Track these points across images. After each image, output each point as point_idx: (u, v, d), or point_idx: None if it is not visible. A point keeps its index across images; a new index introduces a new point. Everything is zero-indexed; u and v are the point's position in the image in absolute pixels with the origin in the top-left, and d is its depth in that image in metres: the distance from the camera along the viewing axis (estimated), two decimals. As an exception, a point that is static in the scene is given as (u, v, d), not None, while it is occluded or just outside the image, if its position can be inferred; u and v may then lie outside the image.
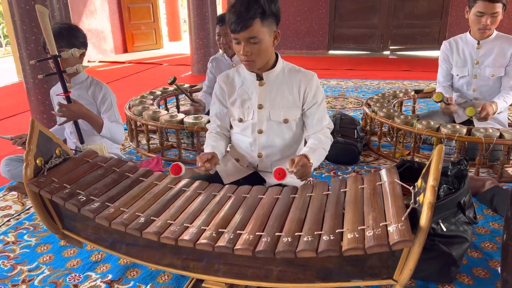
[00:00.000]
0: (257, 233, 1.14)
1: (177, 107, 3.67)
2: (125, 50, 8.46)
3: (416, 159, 2.58)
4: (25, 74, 3.02)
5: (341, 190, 1.29)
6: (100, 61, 7.45)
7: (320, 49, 7.80)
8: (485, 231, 1.89)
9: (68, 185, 1.36)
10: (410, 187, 1.12)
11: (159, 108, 3.10)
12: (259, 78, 1.70)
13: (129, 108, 3.09)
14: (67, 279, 1.64)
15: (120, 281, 1.62)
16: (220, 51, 3.07)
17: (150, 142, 2.91)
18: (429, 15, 7.17)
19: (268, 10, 1.51)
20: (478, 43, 2.62)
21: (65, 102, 2.03)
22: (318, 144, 1.63)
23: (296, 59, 6.71)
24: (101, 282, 1.62)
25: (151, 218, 1.25)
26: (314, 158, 1.54)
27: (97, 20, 7.68)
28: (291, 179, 1.79)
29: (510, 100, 2.56)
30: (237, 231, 1.16)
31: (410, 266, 1.01)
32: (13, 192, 2.37)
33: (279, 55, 1.70)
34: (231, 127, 1.85)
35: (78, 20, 7.07)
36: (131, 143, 3.09)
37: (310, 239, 1.07)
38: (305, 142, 1.82)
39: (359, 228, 1.05)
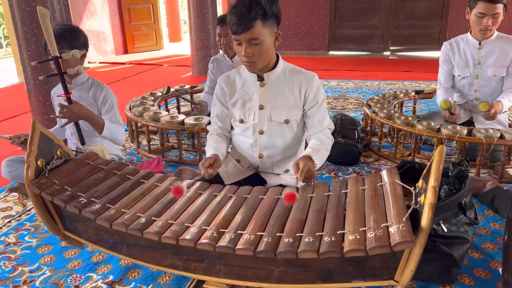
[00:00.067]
0: (258, 233, 1.14)
1: (178, 108, 3.67)
2: (126, 51, 8.47)
3: (417, 160, 2.58)
4: (25, 75, 3.03)
5: (342, 191, 1.29)
6: (100, 62, 7.45)
7: (321, 49, 7.81)
8: (486, 232, 1.89)
9: (69, 187, 1.37)
10: (411, 188, 1.12)
11: (159, 109, 3.10)
12: (260, 79, 1.70)
13: (130, 109, 3.09)
14: (68, 280, 1.64)
15: (121, 282, 1.62)
16: (221, 51, 3.08)
17: (150, 143, 2.91)
18: (429, 16, 7.17)
19: (269, 11, 1.51)
20: (479, 44, 2.62)
21: (66, 103, 2.03)
22: (320, 145, 1.63)
23: (296, 59, 6.72)
24: (102, 283, 1.62)
25: (152, 218, 1.25)
26: (318, 159, 1.54)
27: (97, 21, 7.69)
28: (292, 180, 1.80)
29: None
30: (238, 231, 1.16)
31: (411, 267, 1.01)
32: (14, 193, 2.37)
33: (280, 56, 1.70)
34: (232, 128, 1.85)
35: (78, 21, 7.07)
36: (131, 144, 3.09)
37: (311, 240, 1.07)
38: (306, 144, 1.83)
39: (360, 229, 1.06)
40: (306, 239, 1.08)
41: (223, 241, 1.12)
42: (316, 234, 1.09)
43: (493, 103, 2.51)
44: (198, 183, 1.48)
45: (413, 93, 3.41)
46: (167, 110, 3.54)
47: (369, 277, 1.09)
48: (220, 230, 1.17)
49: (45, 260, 1.77)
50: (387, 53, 7.46)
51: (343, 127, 2.88)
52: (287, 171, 1.80)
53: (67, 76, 2.10)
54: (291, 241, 1.09)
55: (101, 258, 1.77)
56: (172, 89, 3.57)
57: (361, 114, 3.65)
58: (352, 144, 2.66)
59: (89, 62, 7.13)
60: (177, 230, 1.19)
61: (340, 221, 1.13)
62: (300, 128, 1.78)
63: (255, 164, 1.81)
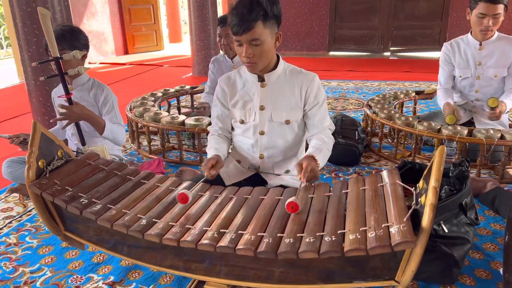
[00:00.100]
0: (258, 234, 1.14)
1: (178, 108, 3.68)
2: (126, 52, 8.47)
3: (417, 161, 2.58)
4: (26, 76, 3.03)
5: (343, 192, 1.29)
6: (101, 63, 7.46)
7: (321, 50, 7.81)
8: (487, 232, 1.89)
9: (70, 188, 1.37)
10: (412, 188, 1.12)
11: (160, 109, 3.10)
12: (261, 79, 1.70)
13: (130, 109, 3.09)
14: (69, 281, 1.64)
15: (122, 282, 1.62)
16: (221, 52, 3.08)
17: (151, 144, 2.92)
18: (429, 16, 7.17)
19: (270, 12, 1.51)
20: (480, 44, 2.62)
21: (66, 104, 2.03)
22: (322, 145, 1.63)
23: (296, 60, 6.72)
24: (103, 283, 1.62)
25: (153, 220, 1.25)
26: (320, 159, 1.54)
27: (97, 22, 7.69)
28: (293, 181, 1.80)
29: None
30: (239, 232, 1.16)
31: (412, 268, 1.01)
32: (15, 194, 2.37)
33: (280, 56, 1.71)
34: (232, 128, 1.85)
35: (79, 22, 7.08)
36: (132, 145, 3.09)
37: (312, 240, 1.07)
38: (307, 145, 1.83)
39: (361, 229, 1.06)
40: (307, 239, 1.08)
41: (224, 242, 1.12)
42: (317, 234, 1.09)
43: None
44: (199, 184, 1.48)
45: (413, 94, 3.41)
46: (168, 111, 3.54)
47: (370, 277, 1.09)
48: (221, 230, 1.17)
49: (46, 261, 1.77)
50: (387, 53, 7.46)
51: (344, 127, 2.88)
52: (287, 171, 1.80)
53: (68, 76, 2.10)
54: (292, 241, 1.09)
55: (102, 258, 1.77)
56: (172, 90, 3.57)
57: (361, 114, 3.65)
58: (352, 145, 2.66)
59: (89, 63, 7.13)
60: (178, 232, 1.19)
61: (340, 221, 1.14)
62: (300, 128, 1.78)
63: (255, 165, 1.81)
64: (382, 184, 1.24)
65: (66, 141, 2.37)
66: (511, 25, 6.56)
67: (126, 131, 3.00)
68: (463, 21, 6.94)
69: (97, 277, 1.65)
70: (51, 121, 2.58)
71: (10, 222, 2.10)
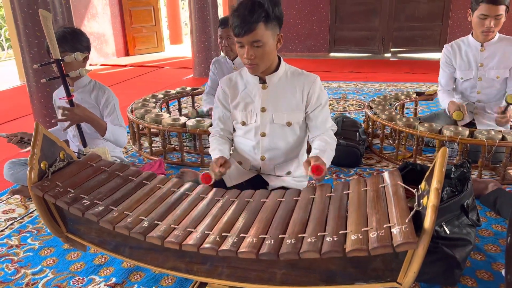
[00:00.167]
0: (260, 236, 1.14)
1: (179, 110, 3.68)
2: (127, 53, 8.48)
3: (418, 162, 2.58)
4: (27, 77, 3.04)
5: (344, 192, 1.29)
6: (101, 64, 7.47)
7: (321, 51, 7.81)
8: (489, 234, 1.88)
9: (72, 189, 1.37)
10: (413, 189, 1.13)
11: (161, 111, 3.10)
12: (262, 81, 1.70)
13: (132, 111, 3.09)
14: (71, 283, 1.64)
15: (124, 284, 1.62)
16: (222, 53, 3.09)
17: (152, 145, 2.92)
18: (430, 18, 7.18)
19: (271, 13, 1.51)
20: (482, 46, 2.62)
21: (68, 106, 2.03)
22: (325, 146, 1.62)
23: (297, 61, 6.72)
24: (104, 285, 1.62)
25: (155, 222, 1.25)
26: (325, 159, 1.54)
27: (98, 24, 7.71)
28: (294, 182, 1.80)
29: None
30: (241, 235, 1.16)
31: (414, 269, 1.01)
32: (17, 196, 2.37)
33: (281, 58, 1.71)
34: (234, 130, 1.85)
35: (80, 24, 7.09)
36: (133, 146, 3.09)
37: (313, 240, 1.07)
38: (308, 146, 1.83)
39: (362, 229, 1.06)
40: (309, 240, 1.08)
41: (226, 245, 1.13)
42: (318, 234, 1.09)
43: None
44: (200, 186, 1.48)
45: (414, 95, 3.41)
46: (169, 112, 3.55)
47: (372, 279, 1.09)
48: (223, 234, 1.17)
49: (48, 263, 1.77)
50: (387, 54, 7.46)
51: (345, 129, 2.88)
52: (289, 173, 1.80)
53: (69, 78, 2.11)
54: (293, 242, 1.09)
55: (103, 260, 1.77)
56: (173, 91, 3.58)
57: (362, 116, 3.65)
58: (353, 146, 2.66)
59: (90, 65, 7.14)
60: (179, 235, 1.19)
61: (342, 222, 1.14)
62: (302, 130, 1.78)
63: (257, 166, 1.82)
64: (383, 185, 1.24)
65: (67, 142, 2.37)
66: (511, 26, 6.56)
67: (128, 132, 3.00)
68: (463, 22, 6.95)
69: (99, 279, 1.65)
70: (52, 121, 2.59)
71: (11, 224, 2.10)
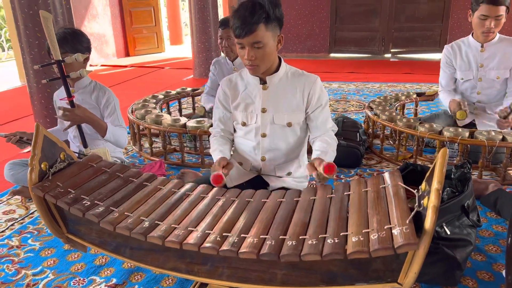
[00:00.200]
0: (261, 236, 1.14)
1: (180, 110, 3.68)
2: (127, 54, 8.49)
3: (419, 162, 2.58)
4: (28, 78, 3.04)
5: (345, 193, 1.29)
6: (102, 65, 7.47)
7: (322, 52, 7.82)
8: (489, 234, 1.89)
9: (73, 190, 1.37)
10: (414, 190, 1.12)
11: (161, 111, 3.11)
12: (263, 82, 1.70)
13: (132, 112, 3.10)
14: (72, 283, 1.64)
15: (124, 285, 1.62)
16: (222, 54, 3.09)
17: (152, 146, 2.92)
18: (430, 18, 7.18)
19: (272, 14, 1.51)
20: (482, 46, 2.62)
21: (68, 107, 2.04)
22: (327, 147, 1.62)
23: (297, 62, 6.72)
24: (105, 286, 1.62)
25: (156, 222, 1.25)
26: (328, 161, 1.54)
27: (99, 24, 7.71)
28: (294, 183, 1.80)
29: None
30: (242, 235, 1.16)
31: (414, 270, 1.01)
32: (17, 196, 2.38)
33: (282, 59, 1.71)
34: (234, 130, 1.85)
35: (80, 24, 7.10)
36: (134, 147, 3.10)
37: (314, 242, 1.07)
38: (309, 147, 1.83)
39: (363, 231, 1.06)
40: (310, 242, 1.08)
41: (227, 245, 1.12)
42: (319, 236, 1.09)
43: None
44: (200, 186, 1.48)
45: (414, 95, 3.41)
46: (169, 113, 3.55)
47: (373, 279, 1.09)
48: (224, 234, 1.17)
49: (48, 263, 1.77)
50: (388, 55, 7.47)
51: (345, 129, 2.88)
52: (289, 173, 1.80)
53: (70, 79, 2.11)
54: (294, 243, 1.09)
55: (104, 261, 1.77)
56: (173, 92, 3.59)
57: (362, 116, 3.65)
58: (354, 147, 2.66)
59: (90, 65, 7.14)
60: (180, 234, 1.19)
61: (343, 223, 1.13)
62: (302, 130, 1.78)
63: (257, 167, 1.82)
64: (384, 186, 1.24)
65: (67, 143, 2.38)
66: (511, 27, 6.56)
67: (128, 133, 3.00)
68: (463, 22, 6.95)
69: (100, 280, 1.66)
70: (55, 116, 2.59)
71: (12, 225, 2.10)
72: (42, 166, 1.39)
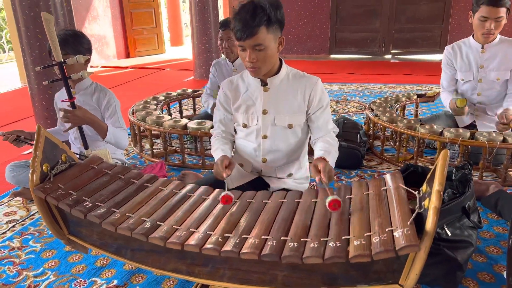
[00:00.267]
0: (262, 237, 1.14)
1: (180, 112, 3.68)
2: (128, 55, 8.50)
3: (420, 163, 2.58)
4: (29, 80, 3.04)
5: (346, 196, 1.29)
6: (102, 66, 7.48)
7: (322, 53, 7.82)
8: (490, 236, 1.88)
9: (74, 192, 1.37)
10: (415, 191, 1.13)
11: (162, 113, 3.11)
12: (264, 83, 1.70)
13: (133, 113, 3.10)
14: (73, 285, 1.64)
15: (125, 286, 1.62)
16: (223, 55, 3.09)
17: (153, 147, 2.92)
18: (430, 19, 7.18)
19: (273, 17, 1.52)
20: (482, 47, 2.62)
21: (69, 108, 2.04)
22: (329, 147, 1.62)
23: (297, 63, 6.73)
24: (106, 287, 1.62)
25: (157, 223, 1.26)
26: (330, 161, 1.53)
27: (99, 26, 7.72)
28: (295, 184, 1.80)
29: None
30: (243, 236, 1.16)
31: (416, 271, 1.01)
32: (18, 198, 2.38)
33: (283, 60, 1.71)
34: (235, 132, 1.86)
35: (81, 26, 7.10)
36: (134, 148, 3.10)
37: (316, 245, 1.07)
38: (309, 148, 1.83)
39: (365, 234, 1.06)
40: (311, 245, 1.08)
41: (228, 246, 1.13)
42: (321, 239, 1.09)
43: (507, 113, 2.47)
44: (201, 188, 1.48)
45: (415, 97, 3.42)
46: (170, 114, 3.55)
47: (374, 281, 1.09)
48: (225, 235, 1.18)
49: (50, 265, 1.78)
50: (388, 56, 7.47)
51: (346, 130, 2.88)
52: (290, 175, 1.80)
53: (71, 81, 2.11)
54: (296, 245, 1.09)
55: (105, 262, 1.77)
56: (174, 93, 3.59)
57: (363, 117, 3.65)
58: (354, 148, 2.66)
59: (91, 66, 7.15)
60: (181, 235, 1.19)
61: (345, 226, 1.14)
62: (303, 132, 1.78)
63: (258, 168, 1.82)
64: (385, 188, 1.24)
65: (68, 144, 2.38)
66: (512, 28, 6.57)
67: (129, 134, 3.01)
68: (464, 23, 6.95)
69: (101, 281, 1.66)
70: (55, 118, 2.59)
71: (13, 226, 2.10)
72: (43, 167, 1.39)
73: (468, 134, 2.38)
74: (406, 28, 7.32)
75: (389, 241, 0.99)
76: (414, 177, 1.68)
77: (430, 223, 0.96)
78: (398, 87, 5.09)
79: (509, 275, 1.27)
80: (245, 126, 1.77)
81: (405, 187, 1.19)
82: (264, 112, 1.71)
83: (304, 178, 1.85)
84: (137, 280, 1.65)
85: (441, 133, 2.45)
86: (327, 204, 1.18)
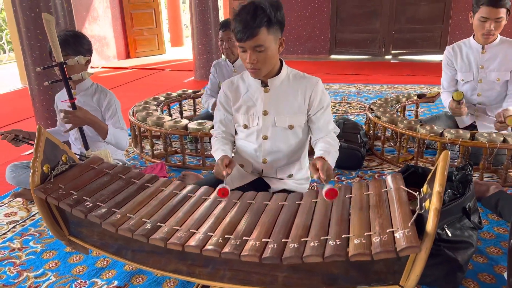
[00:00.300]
0: (263, 240, 1.14)
1: (181, 112, 3.69)
2: (128, 56, 8.50)
3: (420, 164, 2.58)
4: (29, 80, 3.04)
5: (346, 196, 1.29)
6: (102, 67, 7.48)
7: (322, 54, 7.83)
8: (490, 236, 1.88)
9: (75, 192, 1.37)
10: (416, 192, 1.13)
11: (162, 113, 3.11)
12: (264, 84, 1.70)
13: (133, 114, 3.10)
14: (73, 286, 1.64)
15: (126, 287, 1.62)
16: (223, 56, 3.10)
17: (154, 148, 2.92)
18: (430, 20, 7.19)
19: (273, 18, 1.52)
20: (483, 48, 2.62)
21: (70, 109, 2.04)
22: (329, 147, 1.62)
23: (298, 64, 6.73)
24: (106, 288, 1.62)
25: (158, 224, 1.26)
26: (330, 160, 1.53)
27: (100, 26, 7.72)
28: (295, 185, 1.80)
29: None
30: (244, 238, 1.16)
31: (416, 272, 1.01)
32: (19, 199, 2.38)
33: (283, 61, 1.71)
34: (235, 132, 1.86)
35: (81, 27, 7.11)
36: (135, 149, 3.10)
37: (316, 244, 1.07)
38: (310, 149, 1.83)
39: (365, 234, 1.06)
40: (311, 244, 1.08)
41: (229, 248, 1.13)
42: (321, 238, 1.09)
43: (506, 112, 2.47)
44: (202, 188, 1.48)
45: (415, 97, 3.42)
46: (170, 115, 3.56)
47: (374, 282, 1.09)
48: (226, 236, 1.18)
49: (50, 266, 1.78)
50: (388, 57, 7.47)
51: (346, 131, 2.88)
52: (290, 176, 1.80)
53: (71, 81, 2.11)
54: (296, 246, 1.09)
55: (105, 263, 1.77)
56: (174, 94, 3.59)
57: (363, 118, 3.65)
58: (355, 149, 2.66)
59: (91, 67, 7.16)
60: (182, 236, 1.19)
61: (345, 226, 1.14)
62: (304, 133, 1.78)
63: (258, 169, 1.82)
64: (386, 189, 1.24)
65: (69, 145, 2.38)
66: (512, 28, 6.57)
67: (129, 135, 3.01)
68: (464, 24, 6.95)
69: (101, 282, 1.66)
70: (56, 119, 2.59)
71: (14, 227, 2.10)
72: (44, 168, 1.39)
73: (468, 135, 2.38)
74: (406, 29, 7.32)
75: (389, 241, 0.99)
76: (414, 178, 1.68)
77: (430, 224, 0.96)
78: (398, 88, 5.09)
79: (510, 275, 1.27)
80: (245, 127, 1.77)
81: (406, 189, 1.19)
82: (265, 113, 1.71)
83: (305, 179, 1.85)
84: (138, 281, 1.65)
85: (441, 134, 2.45)
86: (323, 193, 1.20)
